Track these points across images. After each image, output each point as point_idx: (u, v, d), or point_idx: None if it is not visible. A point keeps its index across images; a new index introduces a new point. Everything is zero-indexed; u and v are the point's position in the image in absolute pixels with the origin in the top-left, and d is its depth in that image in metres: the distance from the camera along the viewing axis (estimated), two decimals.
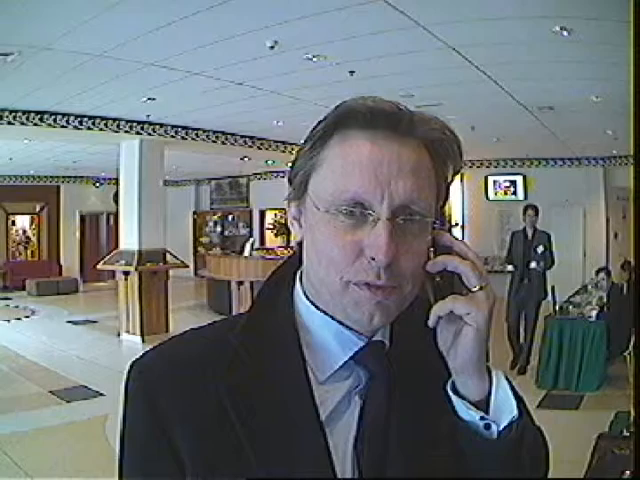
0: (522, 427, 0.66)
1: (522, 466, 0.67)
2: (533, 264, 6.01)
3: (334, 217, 0.65)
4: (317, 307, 0.71)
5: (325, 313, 0.70)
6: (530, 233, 6.20)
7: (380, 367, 0.70)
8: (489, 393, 0.68)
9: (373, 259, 0.63)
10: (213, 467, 0.66)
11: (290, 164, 0.71)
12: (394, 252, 0.63)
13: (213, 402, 0.67)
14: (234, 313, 9.61)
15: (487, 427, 0.66)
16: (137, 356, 0.75)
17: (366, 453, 0.68)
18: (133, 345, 7.87)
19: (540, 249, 6.04)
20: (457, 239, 0.69)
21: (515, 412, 0.66)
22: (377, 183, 0.63)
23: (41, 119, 6.96)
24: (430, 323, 0.67)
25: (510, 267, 6.34)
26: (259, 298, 0.76)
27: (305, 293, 0.72)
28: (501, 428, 0.66)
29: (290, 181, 0.71)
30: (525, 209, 6.32)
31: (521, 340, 6.29)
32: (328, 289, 0.67)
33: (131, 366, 0.73)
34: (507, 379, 0.69)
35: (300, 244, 0.72)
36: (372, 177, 0.63)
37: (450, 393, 0.68)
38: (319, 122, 0.68)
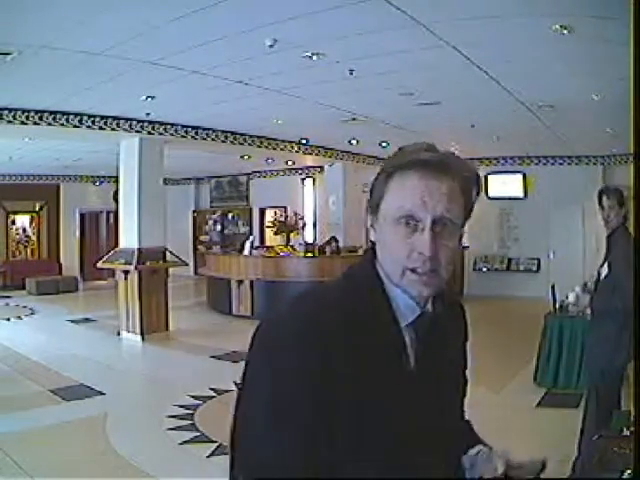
0: None
1: None
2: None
3: (396, 226, 0.99)
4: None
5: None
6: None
7: (426, 331, 1.03)
8: None
9: (421, 253, 0.96)
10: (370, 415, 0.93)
11: (369, 189, 1.06)
12: (434, 248, 0.96)
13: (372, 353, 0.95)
14: (234, 312, 9.65)
15: None
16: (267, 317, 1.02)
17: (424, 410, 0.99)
18: (133, 344, 7.88)
19: (607, 275, 3.32)
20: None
21: None
22: (423, 204, 0.97)
23: (41, 118, 6.96)
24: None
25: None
26: (351, 277, 1.06)
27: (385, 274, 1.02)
28: None
29: (370, 196, 1.05)
30: (600, 196, 3.45)
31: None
32: (393, 275, 1.01)
33: (289, 320, 0.97)
34: None
35: (374, 243, 1.05)
36: (421, 200, 0.97)
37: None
38: (386, 163, 1.04)
